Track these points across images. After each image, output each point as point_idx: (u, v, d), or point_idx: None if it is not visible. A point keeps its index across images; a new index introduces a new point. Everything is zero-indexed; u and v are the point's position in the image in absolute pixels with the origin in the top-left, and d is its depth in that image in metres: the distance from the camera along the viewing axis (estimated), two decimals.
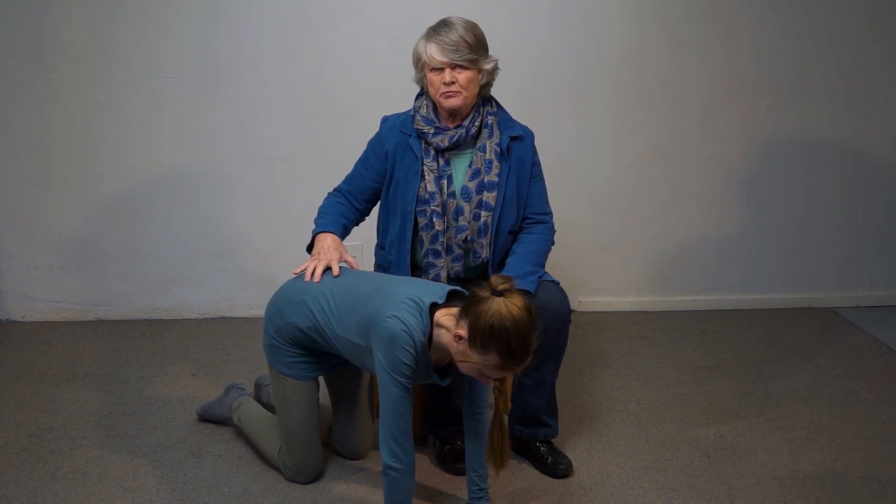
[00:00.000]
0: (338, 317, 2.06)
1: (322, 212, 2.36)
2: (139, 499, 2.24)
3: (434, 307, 1.95)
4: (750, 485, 2.35)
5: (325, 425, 2.48)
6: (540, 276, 2.31)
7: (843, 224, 3.71)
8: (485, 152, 2.30)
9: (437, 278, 2.33)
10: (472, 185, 2.30)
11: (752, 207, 3.64)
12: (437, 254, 2.32)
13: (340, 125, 3.33)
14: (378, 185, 2.38)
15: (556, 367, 2.36)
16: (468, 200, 2.30)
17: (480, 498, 2.15)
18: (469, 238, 2.32)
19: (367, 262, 3.12)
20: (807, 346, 3.34)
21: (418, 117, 2.31)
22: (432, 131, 2.29)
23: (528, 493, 2.30)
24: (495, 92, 2.39)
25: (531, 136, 2.40)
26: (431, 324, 1.94)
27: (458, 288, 2.02)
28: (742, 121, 3.52)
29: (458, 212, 2.30)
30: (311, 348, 2.18)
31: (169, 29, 3.21)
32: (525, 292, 2.13)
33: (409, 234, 2.33)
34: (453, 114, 2.29)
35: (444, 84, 2.22)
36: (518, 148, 2.35)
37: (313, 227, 2.32)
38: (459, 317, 1.87)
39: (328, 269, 2.19)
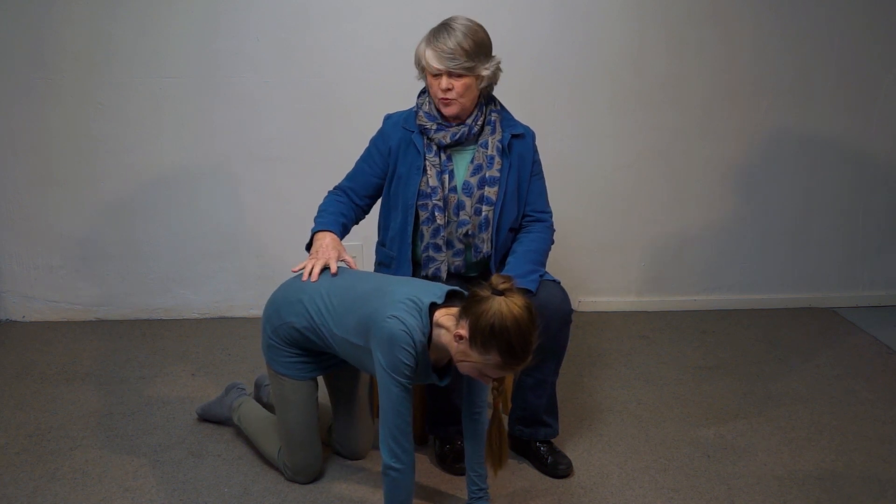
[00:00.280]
0: (335, 317, 2.06)
1: (322, 210, 2.36)
2: (139, 499, 2.24)
3: (433, 307, 1.95)
4: (750, 485, 2.35)
5: (325, 425, 2.48)
6: (541, 275, 2.31)
7: (843, 224, 3.71)
8: (487, 148, 2.32)
9: (436, 272, 2.34)
10: (474, 181, 2.31)
11: (752, 207, 3.65)
12: (437, 248, 2.33)
13: (340, 125, 3.33)
14: (380, 180, 2.39)
15: (556, 366, 2.37)
16: (469, 195, 2.31)
17: (480, 498, 2.15)
18: (470, 232, 2.33)
19: (367, 261, 3.12)
20: (807, 346, 3.34)
21: (421, 113, 2.33)
22: (434, 127, 2.30)
23: (528, 493, 2.30)
24: (496, 92, 2.39)
25: (532, 135, 2.41)
26: (431, 324, 1.94)
27: (456, 288, 2.02)
28: (742, 121, 3.52)
29: (460, 206, 2.31)
30: (309, 348, 2.18)
31: (169, 29, 3.21)
32: (526, 291, 2.13)
33: (411, 229, 2.33)
34: (453, 116, 2.30)
35: (442, 90, 2.24)
36: (519, 146, 2.36)
37: (313, 225, 2.33)
38: (460, 316, 1.87)
39: (327, 268, 2.19)
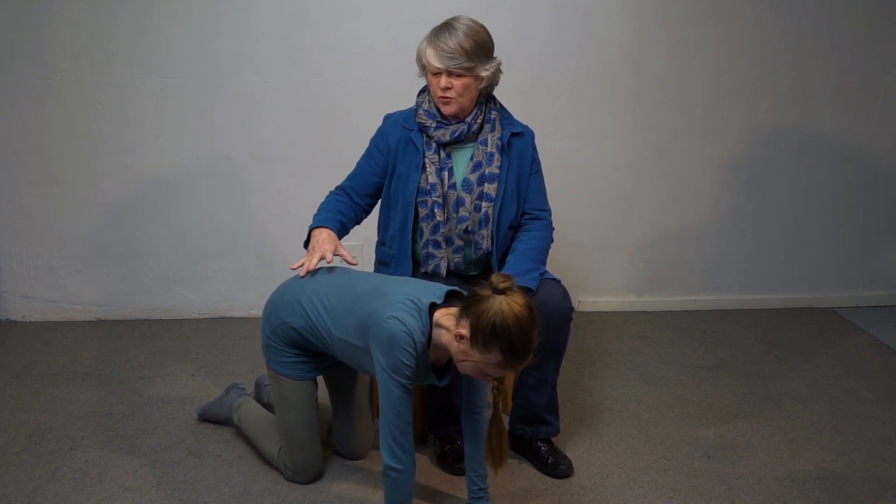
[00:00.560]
0: (334, 317, 2.06)
1: (320, 209, 2.37)
2: (139, 499, 2.24)
3: (433, 307, 1.95)
4: (750, 485, 2.35)
5: (325, 425, 2.48)
6: (541, 274, 2.31)
7: (843, 224, 3.71)
8: (486, 145, 2.33)
9: (436, 269, 2.34)
10: (474, 177, 2.32)
11: (752, 207, 3.64)
12: (436, 244, 2.33)
13: (340, 125, 3.33)
14: (380, 179, 2.39)
15: (557, 365, 2.37)
16: (469, 192, 2.32)
17: (480, 498, 2.15)
18: (470, 229, 2.33)
19: (367, 261, 3.12)
20: (807, 346, 3.34)
21: (421, 111, 2.34)
22: (434, 125, 2.31)
23: (528, 493, 2.30)
24: (496, 92, 2.39)
25: (531, 134, 2.42)
26: (430, 324, 1.94)
27: (456, 288, 2.02)
28: (742, 121, 3.52)
29: (459, 203, 2.32)
30: (308, 348, 2.18)
31: (169, 29, 3.21)
32: (526, 290, 2.13)
33: (411, 227, 2.34)
34: (452, 115, 2.31)
35: (441, 89, 2.25)
36: (518, 144, 2.37)
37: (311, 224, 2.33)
38: (460, 316, 1.87)
39: (326, 268, 2.19)
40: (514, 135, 2.36)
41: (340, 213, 2.35)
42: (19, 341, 3.29)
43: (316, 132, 3.36)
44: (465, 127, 2.30)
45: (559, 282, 2.35)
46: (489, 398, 2.06)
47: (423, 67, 2.30)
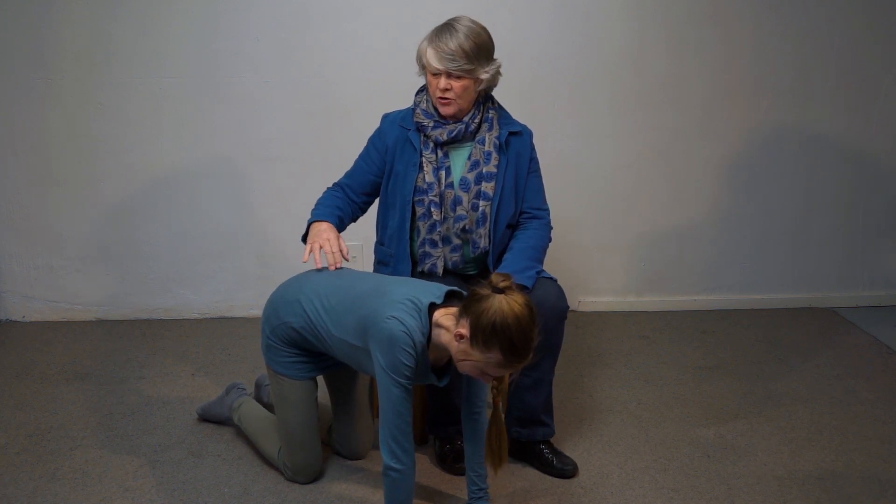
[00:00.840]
0: (334, 317, 2.06)
1: (318, 204, 2.38)
2: (139, 499, 2.24)
3: (432, 307, 1.95)
4: (750, 485, 2.35)
5: (325, 425, 2.48)
6: (538, 272, 2.31)
7: (843, 224, 3.71)
8: (484, 145, 2.33)
9: (432, 269, 2.34)
10: (471, 176, 2.32)
11: (752, 207, 3.64)
12: (433, 244, 2.34)
13: (340, 125, 3.33)
14: (377, 178, 2.40)
15: (552, 364, 2.37)
16: (466, 190, 2.32)
17: (480, 498, 2.15)
18: (467, 227, 2.33)
19: (367, 261, 3.12)
20: (807, 346, 3.34)
21: (419, 111, 2.34)
22: (432, 124, 2.31)
23: (528, 493, 2.30)
24: (496, 92, 2.39)
25: (530, 133, 2.43)
26: (430, 324, 1.94)
27: (455, 288, 2.02)
28: (742, 121, 3.52)
29: (457, 202, 2.32)
30: (307, 348, 2.18)
31: (169, 29, 3.21)
32: (522, 287, 2.13)
33: (408, 226, 2.35)
34: (450, 116, 2.31)
35: (440, 90, 2.25)
36: (517, 143, 2.38)
37: (309, 218, 2.33)
38: (460, 315, 1.86)
39: (325, 268, 2.20)
40: (512, 134, 2.36)
41: (338, 208, 2.36)
42: (19, 341, 3.29)
43: (316, 132, 3.36)
44: (463, 126, 2.31)
45: (555, 281, 2.34)
46: (489, 398, 2.06)
47: (423, 67, 2.30)
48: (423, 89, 2.37)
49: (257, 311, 3.38)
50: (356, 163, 2.44)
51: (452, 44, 2.20)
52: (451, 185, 2.33)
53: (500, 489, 2.30)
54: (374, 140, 2.42)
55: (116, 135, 3.31)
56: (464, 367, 1.90)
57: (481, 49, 2.24)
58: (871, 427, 2.69)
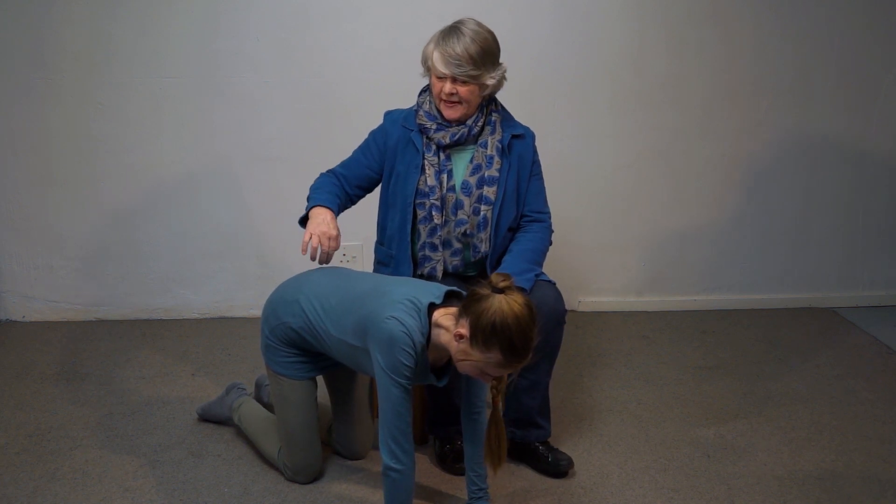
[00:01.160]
0: (333, 317, 2.06)
1: (317, 188, 2.33)
2: (139, 499, 2.24)
3: (431, 307, 1.95)
4: (750, 485, 2.35)
5: (325, 425, 2.48)
6: (537, 275, 2.31)
7: (843, 224, 3.71)
8: (486, 148, 2.32)
9: (432, 272, 2.34)
10: (473, 180, 2.31)
11: (752, 207, 3.64)
12: (433, 247, 2.33)
13: (340, 125, 3.32)
14: (373, 174, 2.38)
15: (550, 367, 2.36)
16: (468, 195, 2.31)
17: (480, 498, 2.15)
18: (469, 232, 2.33)
19: (367, 261, 3.12)
20: (807, 346, 3.34)
21: (421, 112, 2.33)
22: (434, 127, 2.30)
23: (528, 494, 2.30)
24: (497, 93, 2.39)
25: (532, 136, 2.41)
26: (429, 324, 1.94)
27: (454, 288, 2.02)
28: (742, 121, 3.52)
29: (458, 206, 2.31)
30: (307, 349, 2.18)
31: (169, 29, 3.21)
32: (520, 289, 2.13)
33: (409, 228, 2.33)
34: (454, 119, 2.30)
35: (445, 94, 2.24)
36: (519, 146, 2.36)
37: (307, 203, 2.29)
38: (459, 315, 1.87)
39: (324, 268, 2.19)
40: (514, 137, 2.35)
41: (337, 196, 2.32)
42: (19, 341, 3.29)
43: (316, 132, 3.36)
44: (466, 130, 2.29)
45: (554, 284, 2.34)
46: (488, 398, 2.06)
47: (428, 69, 2.28)
48: (427, 89, 2.36)
49: (257, 311, 3.38)
50: (355, 155, 2.42)
51: (459, 48, 2.19)
52: (452, 189, 2.32)
53: (499, 489, 2.30)
54: (375, 136, 2.40)
55: (116, 135, 3.31)
56: (463, 367, 1.90)
57: (487, 54, 2.22)
58: (871, 427, 2.69)
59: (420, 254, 2.35)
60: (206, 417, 2.64)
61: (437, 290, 1.98)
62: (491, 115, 2.34)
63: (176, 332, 3.38)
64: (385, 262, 2.43)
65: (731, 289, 3.74)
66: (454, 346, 1.88)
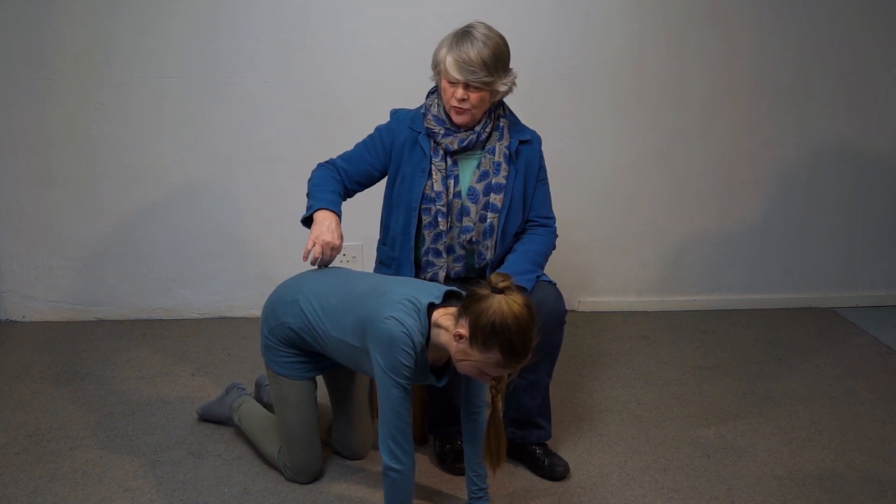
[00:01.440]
0: (332, 318, 2.06)
1: (319, 184, 2.30)
2: (139, 499, 2.24)
3: (431, 307, 1.95)
4: (750, 485, 2.35)
5: (325, 425, 2.48)
6: (538, 276, 2.30)
7: (843, 224, 3.71)
8: (493, 154, 2.29)
9: (434, 277, 2.33)
10: (480, 187, 2.29)
11: (752, 207, 3.64)
12: (437, 253, 2.32)
13: (340, 125, 3.32)
14: (376, 172, 2.36)
15: (550, 367, 2.36)
16: (475, 201, 2.29)
17: (480, 498, 2.15)
18: (474, 239, 2.31)
19: (367, 261, 3.12)
20: (807, 346, 3.34)
21: (430, 116, 2.30)
22: (442, 132, 2.28)
23: (528, 494, 2.30)
24: None
25: (539, 140, 2.39)
26: (429, 324, 1.94)
27: (454, 288, 2.02)
28: (742, 121, 3.52)
29: (464, 212, 2.30)
30: (306, 349, 2.18)
31: (169, 29, 3.21)
32: (520, 289, 2.13)
33: (413, 231, 2.31)
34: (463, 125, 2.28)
35: (457, 100, 2.21)
36: (527, 152, 2.34)
37: (310, 200, 2.27)
38: (459, 315, 1.86)
39: (323, 268, 2.19)
40: (522, 143, 2.33)
41: (339, 194, 2.29)
42: (19, 341, 3.29)
43: (316, 132, 3.36)
44: (474, 136, 2.27)
45: (554, 284, 2.33)
46: (488, 398, 2.06)
47: (439, 73, 2.24)
48: (435, 91, 2.33)
49: (257, 311, 3.38)
50: (358, 150, 2.38)
51: (472, 53, 2.15)
52: (458, 195, 2.29)
53: (499, 489, 2.30)
54: (382, 133, 2.36)
55: (116, 135, 3.31)
56: (463, 367, 1.90)
57: (500, 60, 2.20)
58: (871, 427, 2.69)
59: (423, 259, 2.34)
60: (206, 417, 2.64)
61: (436, 291, 1.98)
62: (499, 119, 2.31)
63: (176, 332, 3.38)
64: (387, 263, 2.42)
65: (731, 289, 3.74)
66: (454, 347, 1.88)
